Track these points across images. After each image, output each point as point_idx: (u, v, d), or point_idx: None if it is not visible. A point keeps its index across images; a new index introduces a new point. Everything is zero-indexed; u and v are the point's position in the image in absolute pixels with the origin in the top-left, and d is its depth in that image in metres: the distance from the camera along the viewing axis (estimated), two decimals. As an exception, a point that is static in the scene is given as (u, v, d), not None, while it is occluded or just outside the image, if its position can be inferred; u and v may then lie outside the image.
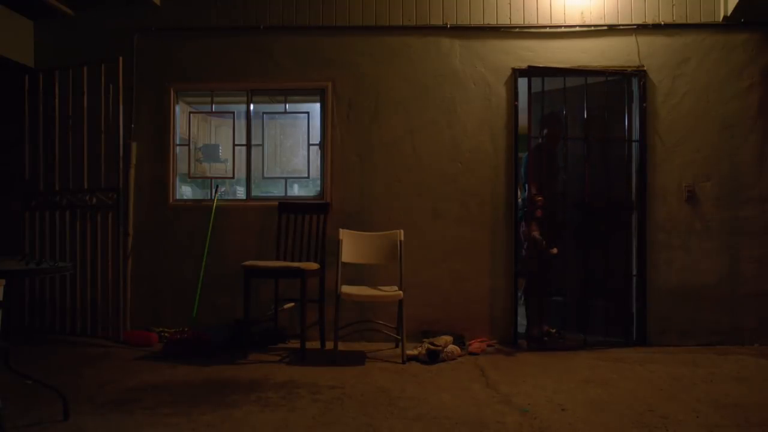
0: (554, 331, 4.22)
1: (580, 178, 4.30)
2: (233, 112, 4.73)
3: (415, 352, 3.79)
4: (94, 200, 4.30)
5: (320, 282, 4.14)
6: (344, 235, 4.09)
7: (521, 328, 4.31)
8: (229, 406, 2.80)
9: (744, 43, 4.31)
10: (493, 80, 4.40)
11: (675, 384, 3.22)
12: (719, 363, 3.70)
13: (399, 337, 3.88)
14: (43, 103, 4.41)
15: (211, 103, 4.72)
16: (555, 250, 4.19)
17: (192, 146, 4.74)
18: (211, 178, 4.84)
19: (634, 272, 4.30)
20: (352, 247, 4.11)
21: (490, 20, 4.41)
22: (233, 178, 4.76)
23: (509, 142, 4.36)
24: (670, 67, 4.34)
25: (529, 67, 4.28)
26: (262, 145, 4.64)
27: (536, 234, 4.21)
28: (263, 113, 4.80)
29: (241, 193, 4.88)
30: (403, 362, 3.68)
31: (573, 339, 4.13)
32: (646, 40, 4.35)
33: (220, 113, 5.02)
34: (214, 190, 4.50)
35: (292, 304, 4.20)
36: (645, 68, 4.33)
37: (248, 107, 4.58)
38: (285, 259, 4.20)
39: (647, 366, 3.61)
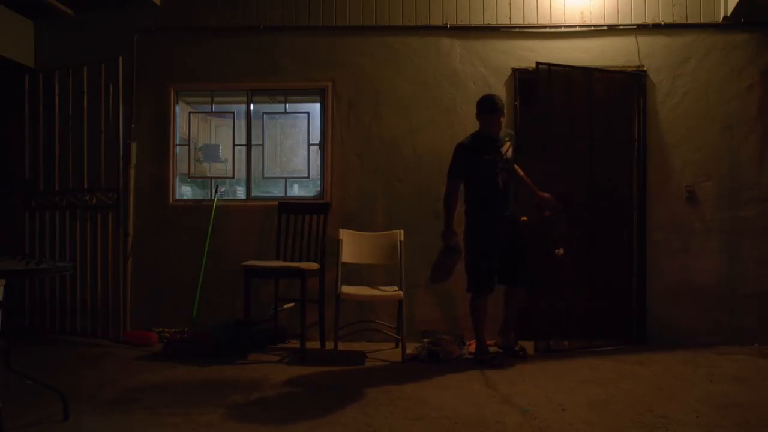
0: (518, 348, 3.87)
1: (581, 176, 4.26)
2: (233, 112, 4.73)
3: (415, 352, 3.79)
4: (94, 200, 4.30)
5: (320, 282, 4.13)
6: (344, 235, 4.09)
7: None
8: (229, 406, 2.80)
9: (744, 43, 4.31)
10: (493, 80, 4.39)
11: (675, 384, 3.22)
12: (719, 363, 3.69)
13: (399, 337, 3.88)
14: (43, 103, 4.40)
15: (211, 103, 4.73)
16: (562, 251, 3.93)
17: (192, 146, 4.74)
18: (211, 178, 4.84)
19: (635, 272, 4.30)
20: (352, 247, 4.10)
21: (490, 20, 4.41)
22: (233, 178, 4.76)
23: (509, 142, 4.36)
24: (670, 67, 4.34)
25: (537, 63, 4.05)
26: (262, 145, 4.64)
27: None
28: (263, 113, 4.80)
29: (241, 193, 4.87)
30: (403, 362, 3.68)
31: (559, 343, 3.97)
32: (646, 40, 4.35)
33: (220, 113, 5.02)
34: (214, 190, 4.50)
35: (292, 304, 4.20)
36: (645, 68, 4.33)
37: (248, 107, 4.58)
38: (285, 259, 4.20)
39: (647, 366, 3.60)
